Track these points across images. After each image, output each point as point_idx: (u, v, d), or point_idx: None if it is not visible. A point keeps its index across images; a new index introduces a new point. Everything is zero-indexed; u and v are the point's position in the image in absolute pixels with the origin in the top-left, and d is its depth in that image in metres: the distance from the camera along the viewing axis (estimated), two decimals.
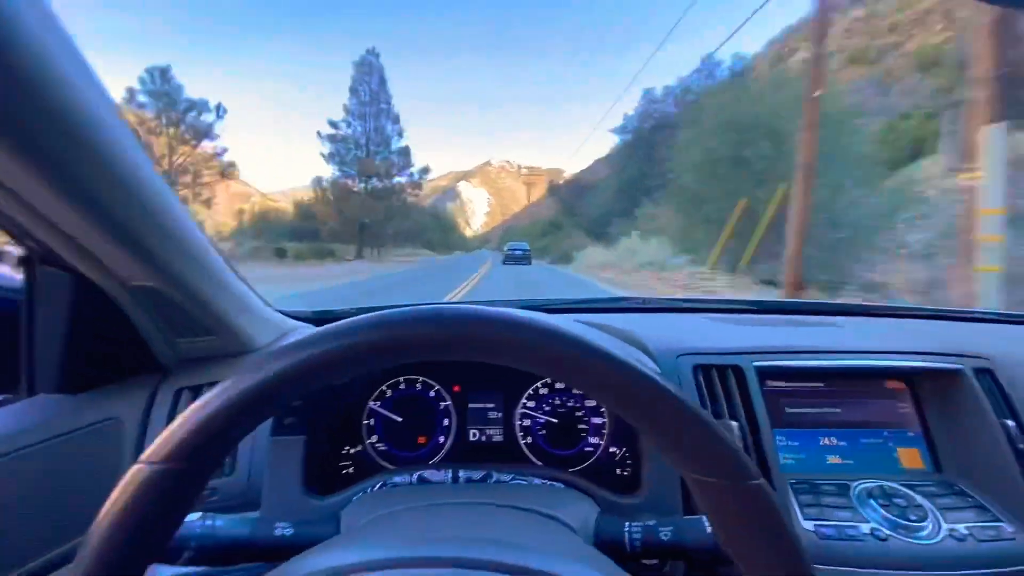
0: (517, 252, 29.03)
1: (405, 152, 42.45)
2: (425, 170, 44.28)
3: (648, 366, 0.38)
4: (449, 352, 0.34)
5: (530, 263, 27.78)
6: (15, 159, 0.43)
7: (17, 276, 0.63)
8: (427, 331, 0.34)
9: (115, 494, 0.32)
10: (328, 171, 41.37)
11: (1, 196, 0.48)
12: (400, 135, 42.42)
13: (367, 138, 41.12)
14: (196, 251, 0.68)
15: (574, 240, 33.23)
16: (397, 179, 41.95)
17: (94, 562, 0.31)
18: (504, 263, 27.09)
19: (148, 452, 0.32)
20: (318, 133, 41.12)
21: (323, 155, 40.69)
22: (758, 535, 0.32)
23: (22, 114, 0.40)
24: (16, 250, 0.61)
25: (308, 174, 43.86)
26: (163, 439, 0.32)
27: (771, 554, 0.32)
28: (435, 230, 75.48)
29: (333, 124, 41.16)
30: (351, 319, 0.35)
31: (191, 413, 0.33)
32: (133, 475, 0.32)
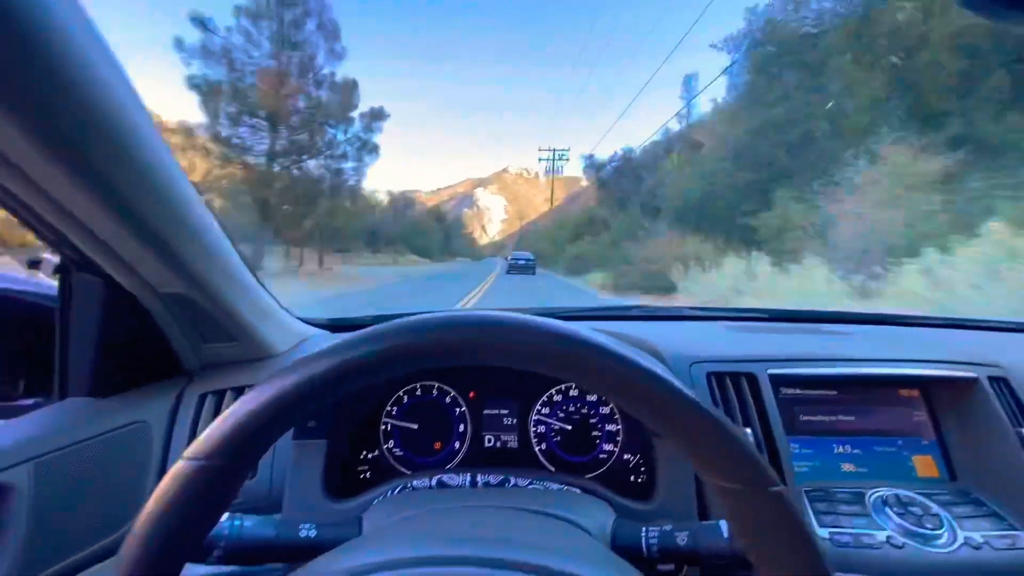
0: (520, 262, 28.57)
1: (346, 89, 21.41)
2: (379, 114, 22.33)
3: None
4: (490, 359, 0.35)
5: (534, 273, 27.32)
6: (59, 169, 0.45)
7: (53, 283, 0.66)
8: (472, 337, 0.35)
9: (160, 489, 0.33)
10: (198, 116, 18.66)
11: (43, 205, 0.50)
12: (339, 57, 21.05)
13: (276, 52, 19.30)
14: (224, 258, 0.71)
15: (649, 248, 16.37)
16: (333, 132, 21.49)
17: (139, 553, 0.32)
18: (508, 272, 26.71)
19: (192, 449, 0.34)
20: (176, 42, 17.94)
21: (190, 83, 18.11)
22: (779, 541, 0.33)
23: (69, 126, 0.43)
24: (53, 258, 0.64)
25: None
26: (206, 436, 0.34)
27: (792, 560, 0.33)
28: (435, 233, 67.72)
29: (202, 23, 18.02)
30: (393, 323, 0.36)
31: (234, 411, 0.34)
32: (177, 471, 0.33)
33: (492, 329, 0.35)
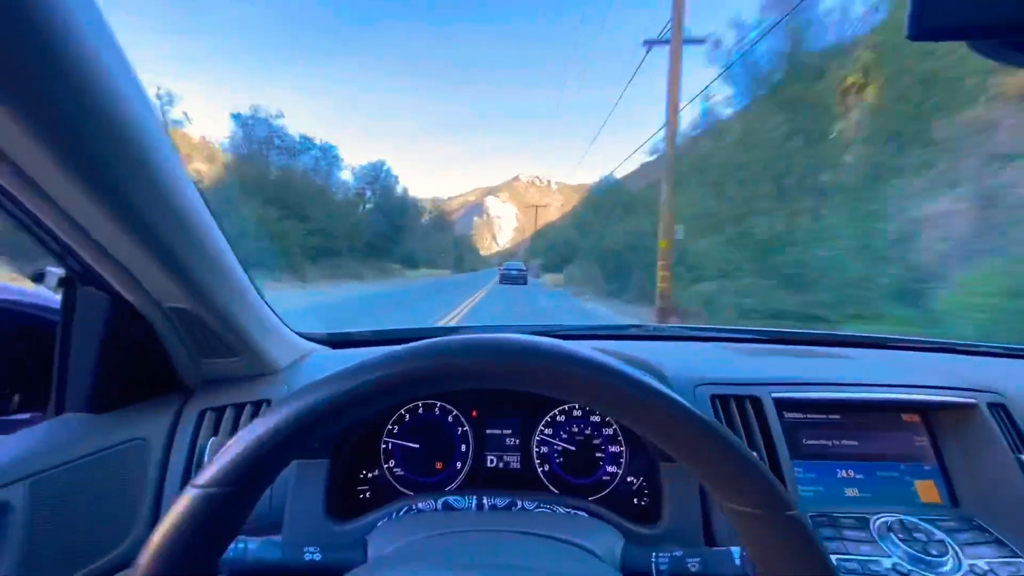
0: (513, 272, 30.03)
1: None
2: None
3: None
4: (500, 383, 0.35)
5: (526, 283, 28.40)
6: (73, 181, 0.45)
7: (55, 295, 0.66)
8: (485, 363, 0.35)
9: (168, 517, 0.32)
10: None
11: (52, 216, 0.50)
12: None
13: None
14: (229, 273, 0.70)
15: None
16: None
17: None
18: (500, 283, 27.54)
19: (200, 477, 0.33)
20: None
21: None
22: (795, 565, 0.34)
23: (86, 138, 0.42)
24: (57, 270, 0.64)
25: None
26: (214, 464, 0.33)
27: None
28: (416, 241, 52.99)
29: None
30: (408, 346, 0.36)
31: (242, 438, 0.34)
32: (185, 499, 0.33)
33: (520, 355, 0.35)
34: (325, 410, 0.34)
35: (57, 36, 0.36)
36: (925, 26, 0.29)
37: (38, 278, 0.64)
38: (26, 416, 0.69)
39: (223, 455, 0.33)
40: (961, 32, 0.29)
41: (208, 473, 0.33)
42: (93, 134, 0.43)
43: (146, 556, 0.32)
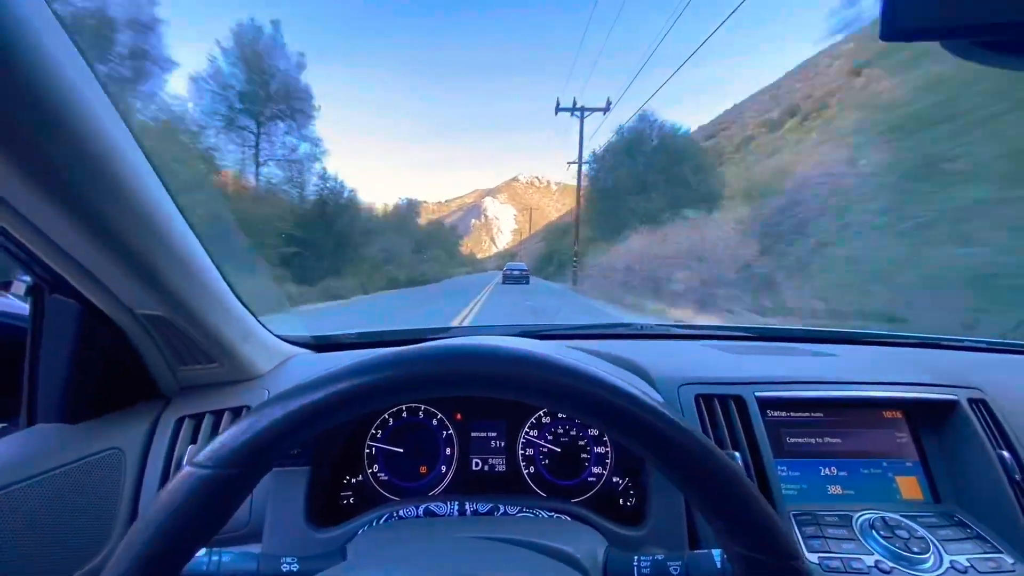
0: (515, 272, 31.27)
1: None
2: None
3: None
4: (505, 391, 0.35)
5: (528, 282, 29.79)
6: (31, 187, 0.43)
7: (23, 304, 0.64)
8: (488, 369, 0.35)
9: (163, 495, 0.32)
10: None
11: (15, 223, 0.48)
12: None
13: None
14: (204, 278, 0.69)
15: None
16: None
17: (135, 560, 0.31)
18: (503, 283, 28.56)
19: (200, 456, 0.33)
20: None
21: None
22: None
23: (39, 141, 0.41)
24: (25, 278, 0.63)
25: None
26: (215, 445, 0.33)
27: None
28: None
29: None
30: (415, 347, 0.36)
31: (248, 422, 0.34)
32: (182, 478, 0.32)
33: (500, 362, 0.35)
34: (337, 402, 0.34)
35: (4, 34, 0.35)
36: (897, 27, 0.29)
37: (5, 286, 0.63)
38: None
39: (226, 437, 0.34)
40: (932, 32, 0.29)
41: (208, 453, 0.33)
42: (49, 135, 0.41)
43: (136, 534, 0.31)
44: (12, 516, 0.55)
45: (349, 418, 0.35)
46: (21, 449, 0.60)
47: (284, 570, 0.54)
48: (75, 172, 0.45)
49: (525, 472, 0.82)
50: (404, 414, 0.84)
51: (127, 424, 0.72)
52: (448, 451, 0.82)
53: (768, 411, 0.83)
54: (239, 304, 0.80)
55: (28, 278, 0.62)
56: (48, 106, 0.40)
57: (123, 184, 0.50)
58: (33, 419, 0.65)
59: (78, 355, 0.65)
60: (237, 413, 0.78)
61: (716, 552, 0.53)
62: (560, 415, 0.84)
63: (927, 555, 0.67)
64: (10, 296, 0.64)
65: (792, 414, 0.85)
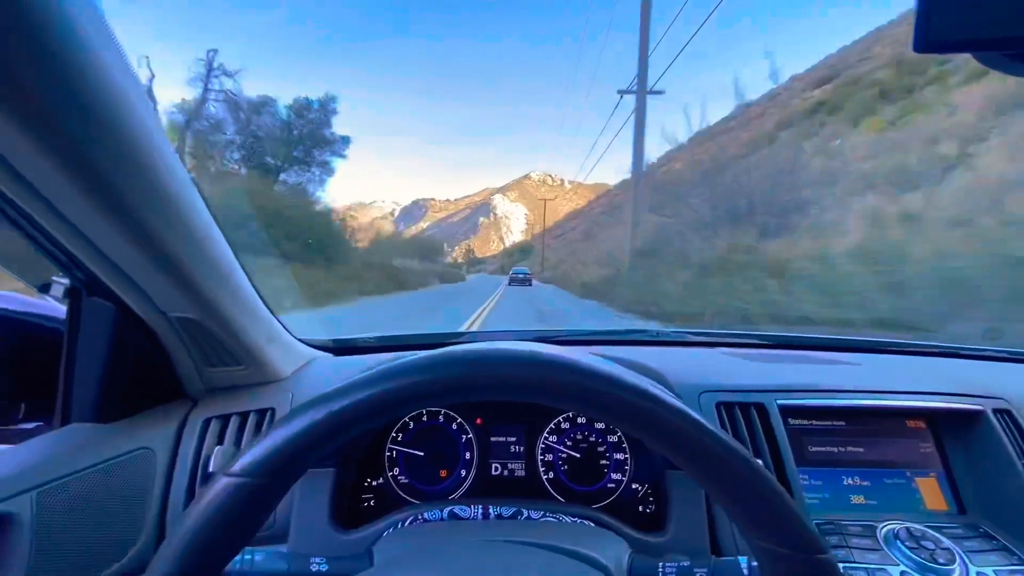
0: (520, 275, 33.88)
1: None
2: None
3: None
4: (537, 395, 0.36)
5: (531, 284, 31.96)
6: (78, 191, 0.45)
7: (61, 306, 0.66)
8: (519, 373, 0.35)
9: (199, 505, 0.33)
10: None
11: (60, 227, 0.50)
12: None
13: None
14: (234, 282, 0.70)
15: None
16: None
17: (174, 565, 0.32)
18: (509, 284, 30.50)
19: (235, 466, 0.34)
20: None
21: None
22: None
23: (86, 145, 0.42)
24: (63, 281, 0.64)
25: None
26: (250, 454, 0.34)
27: None
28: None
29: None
30: (442, 351, 0.36)
31: (281, 431, 0.34)
32: (219, 486, 0.33)
33: (533, 366, 0.35)
34: (367, 409, 0.34)
35: (55, 37, 0.36)
36: (931, 39, 0.29)
37: (44, 288, 0.64)
38: (31, 426, 0.69)
39: (260, 447, 0.34)
40: (966, 45, 0.29)
41: (243, 462, 0.34)
42: (94, 140, 0.42)
43: (174, 539, 0.32)
44: (48, 513, 0.56)
45: (381, 424, 0.36)
46: (56, 448, 0.62)
47: (313, 570, 0.55)
48: (118, 176, 0.46)
49: (544, 477, 0.83)
50: (424, 418, 0.84)
51: (156, 425, 0.73)
52: (468, 455, 0.83)
53: (790, 419, 0.83)
54: (265, 308, 0.81)
55: (66, 281, 0.64)
56: (94, 108, 0.41)
57: (162, 190, 0.51)
58: (67, 419, 0.66)
59: (112, 356, 0.66)
60: (262, 415, 0.79)
61: (743, 559, 0.53)
62: (579, 421, 0.85)
63: (953, 566, 0.66)
64: (48, 299, 0.65)
65: (814, 422, 0.84)
